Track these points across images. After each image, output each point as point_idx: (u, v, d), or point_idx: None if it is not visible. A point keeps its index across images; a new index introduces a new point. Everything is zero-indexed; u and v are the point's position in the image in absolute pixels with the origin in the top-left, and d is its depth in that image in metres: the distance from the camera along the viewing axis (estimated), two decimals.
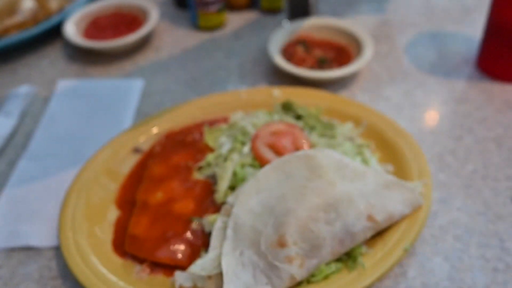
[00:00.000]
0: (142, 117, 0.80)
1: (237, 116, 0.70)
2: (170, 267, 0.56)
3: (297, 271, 0.51)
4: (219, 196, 0.59)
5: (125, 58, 0.94)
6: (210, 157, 0.64)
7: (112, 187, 0.65)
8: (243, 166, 0.61)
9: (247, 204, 0.55)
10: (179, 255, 0.56)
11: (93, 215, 0.62)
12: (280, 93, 0.76)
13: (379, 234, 0.56)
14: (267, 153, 0.61)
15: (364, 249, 0.55)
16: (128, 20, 0.99)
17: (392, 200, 0.56)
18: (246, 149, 0.63)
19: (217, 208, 0.59)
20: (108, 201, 0.64)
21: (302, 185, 0.54)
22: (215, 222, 0.56)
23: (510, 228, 0.60)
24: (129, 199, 0.64)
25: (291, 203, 0.53)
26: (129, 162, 0.69)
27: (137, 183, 0.66)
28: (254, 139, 0.63)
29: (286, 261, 0.51)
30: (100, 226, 0.61)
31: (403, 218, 0.57)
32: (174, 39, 0.98)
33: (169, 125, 0.73)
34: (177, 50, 0.95)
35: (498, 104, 0.77)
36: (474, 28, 0.93)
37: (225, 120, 0.72)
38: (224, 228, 0.55)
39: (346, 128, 0.69)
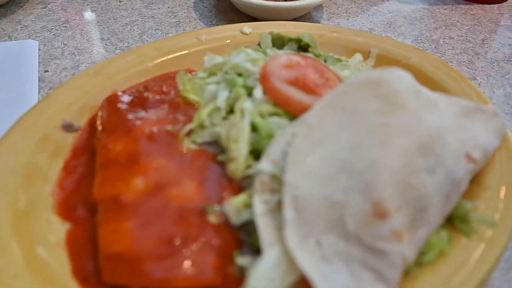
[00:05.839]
0: (50, 89, 0.54)
1: (215, 59, 0.48)
2: None
3: (409, 249, 0.33)
4: (236, 167, 0.38)
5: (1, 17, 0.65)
6: (202, 114, 0.42)
7: (45, 191, 0.40)
8: (262, 116, 0.40)
9: (304, 166, 0.34)
10: (205, 270, 0.33)
11: (28, 232, 0.36)
12: (252, 28, 0.56)
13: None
14: (294, 93, 0.41)
15: (468, 203, 0.38)
16: None
17: (479, 131, 0.41)
18: (258, 93, 0.41)
19: (236, 186, 0.38)
20: (45, 210, 0.38)
21: (379, 123, 0.36)
22: (247, 206, 0.35)
23: None
24: (78, 203, 0.39)
25: (374, 152, 0.34)
26: (61, 148, 0.43)
27: (85, 177, 0.41)
28: (265, 78, 0.42)
29: (393, 238, 0.32)
30: (45, 246, 0.36)
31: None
32: None
33: (110, 83, 0.48)
34: None
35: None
36: None
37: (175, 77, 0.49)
38: (273, 210, 0.34)
39: (355, 60, 0.52)
